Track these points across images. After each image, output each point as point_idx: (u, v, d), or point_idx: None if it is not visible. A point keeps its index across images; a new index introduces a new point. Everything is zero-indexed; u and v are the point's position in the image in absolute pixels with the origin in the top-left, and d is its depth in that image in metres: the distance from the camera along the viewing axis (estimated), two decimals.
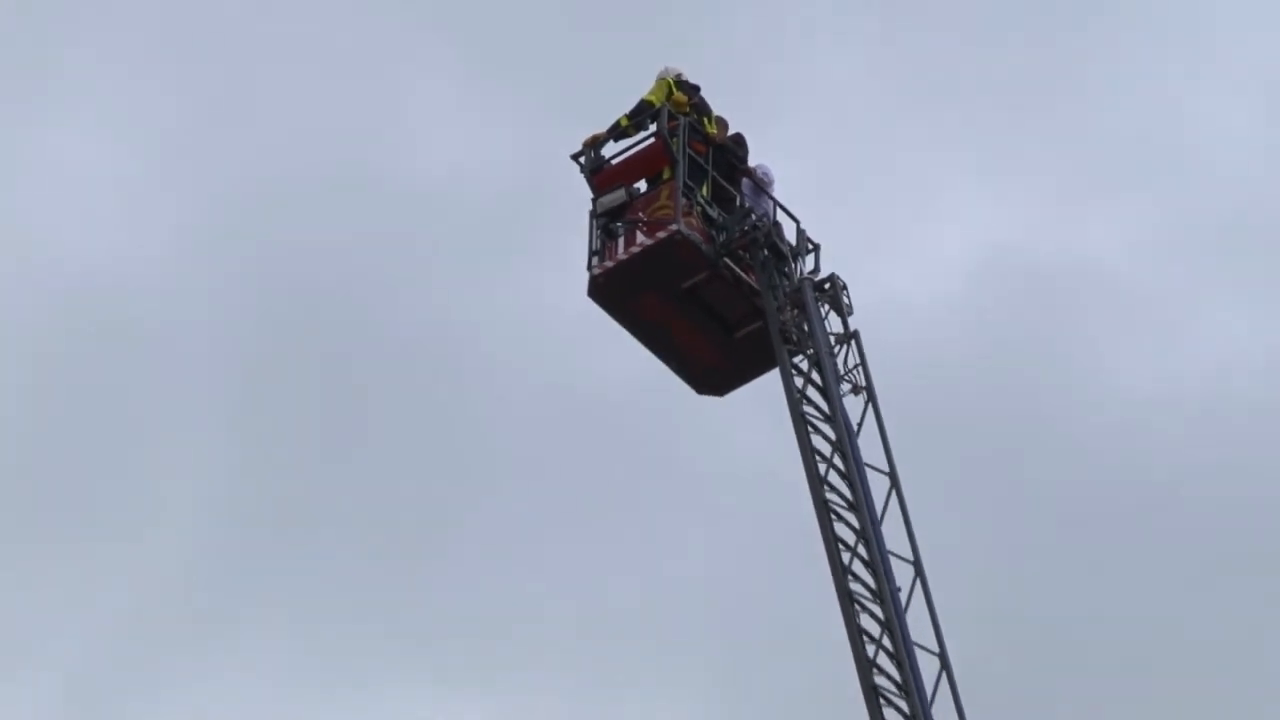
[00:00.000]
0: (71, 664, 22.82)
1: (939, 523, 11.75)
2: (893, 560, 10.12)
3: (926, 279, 23.87)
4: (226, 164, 25.73)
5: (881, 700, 9.40)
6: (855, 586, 9.96)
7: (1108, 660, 20.38)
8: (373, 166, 25.27)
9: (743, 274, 10.76)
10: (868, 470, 10.39)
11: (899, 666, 9.59)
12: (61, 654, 22.70)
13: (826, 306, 10.65)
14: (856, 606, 9.81)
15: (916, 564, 10.35)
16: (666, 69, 11.23)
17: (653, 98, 11.11)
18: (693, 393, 11.40)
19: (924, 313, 22.81)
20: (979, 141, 27.25)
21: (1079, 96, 27.06)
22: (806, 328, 10.47)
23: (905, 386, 14.28)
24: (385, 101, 26.32)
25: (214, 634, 23.06)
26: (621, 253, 10.66)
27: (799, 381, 10.42)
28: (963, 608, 11.79)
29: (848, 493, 10.26)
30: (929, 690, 9.70)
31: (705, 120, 11.30)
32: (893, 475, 10.44)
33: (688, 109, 11.13)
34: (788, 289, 10.63)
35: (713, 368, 11.25)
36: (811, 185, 13.40)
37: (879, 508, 10.30)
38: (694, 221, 10.55)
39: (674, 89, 11.09)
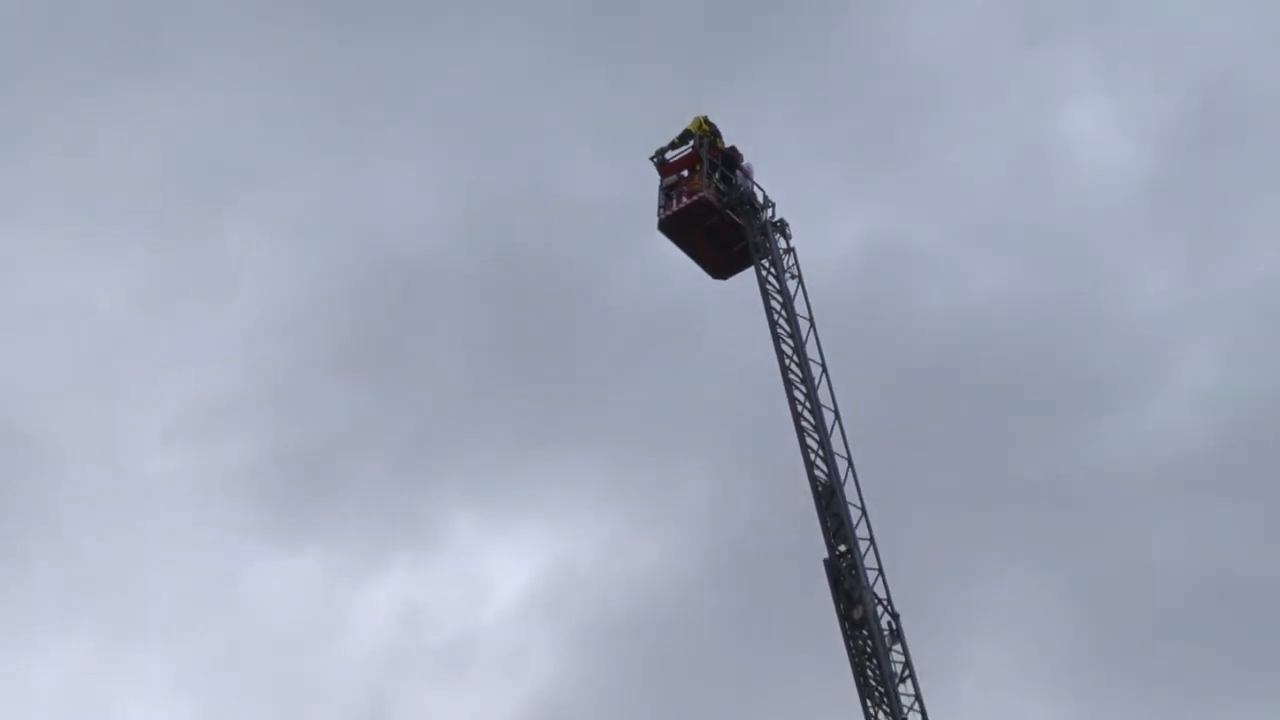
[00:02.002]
0: None
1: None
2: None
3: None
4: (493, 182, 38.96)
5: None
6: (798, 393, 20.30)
7: None
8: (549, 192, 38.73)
9: (736, 218, 21.14)
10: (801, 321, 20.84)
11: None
12: None
13: (777, 234, 21.07)
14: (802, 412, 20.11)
15: (823, 366, 20.69)
16: (700, 115, 21.74)
17: (691, 127, 21.64)
18: (709, 278, 21.93)
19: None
20: None
21: None
22: (767, 245, 20.91)
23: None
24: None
25: None
26: (675, 206, 21.14)
27: (763, 273, 20.87)
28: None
29: (788, 328, 20.66)
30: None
31: (717, 140, 21.76)
32: (811, 320, 20.80)
33: (708, 132, 21.56)
34: (757, 225, 21.08)
35: (719, 265, 21.80)
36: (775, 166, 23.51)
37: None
38: (711, 191, 20.97)
39: (703, 124, 21.57)
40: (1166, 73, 42.77)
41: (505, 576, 38.78)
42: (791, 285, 21.04)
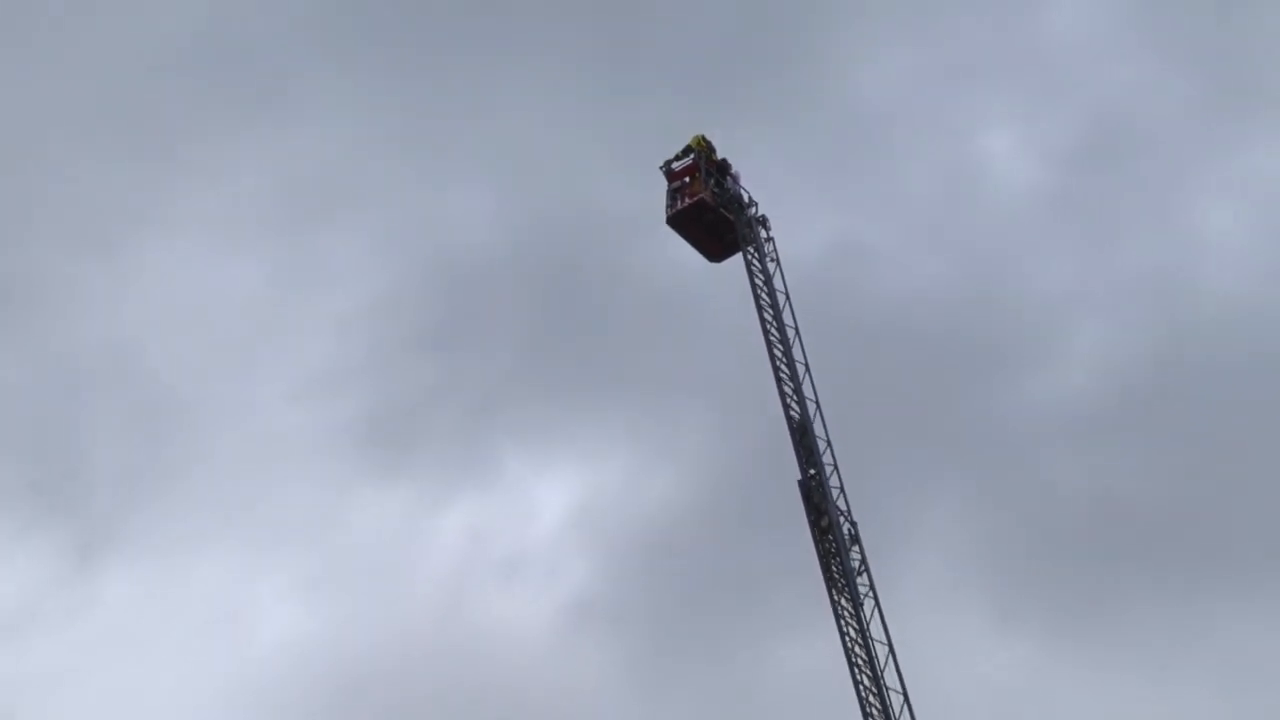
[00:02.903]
0: None
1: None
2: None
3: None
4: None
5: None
6: (776, 351, 25.85)
7: None
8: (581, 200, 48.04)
9: (727, 214, 26.72)
10: (779, 296, 26.40)
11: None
12: None
13: (760, 227, 26.67)
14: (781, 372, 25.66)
15: (796, 330, 26.25)
16: (699, 134, 27.34)
17: (691, 143, 27.22)
18: (707, 262, 27.52)
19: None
20: None
21: None
22: (752, 235, 26.49)
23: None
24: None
25: None
26: (679, 206, 26.71)
27: (749, 258, 26.43)
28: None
29: (769, 300, 26.20)
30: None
31: (712, 154, 27.35)
32: (787, 294, 26.36)
33: (705, 147, 27.13)
34: (744, 220, 26.67)
35: (715, 251, 27.39)
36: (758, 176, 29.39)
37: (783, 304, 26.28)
38: (707, 193, 26.54)
39: (701, 140, 27.17)
40: (1063, 108, 53.98)
41: (548, 504, 48.82)
42: (771, 267, 26.68)
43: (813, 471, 25.26)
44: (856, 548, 25.13)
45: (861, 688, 24.51)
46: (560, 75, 53.74)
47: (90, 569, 45.25)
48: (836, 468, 25.44)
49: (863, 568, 24.94)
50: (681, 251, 28.09)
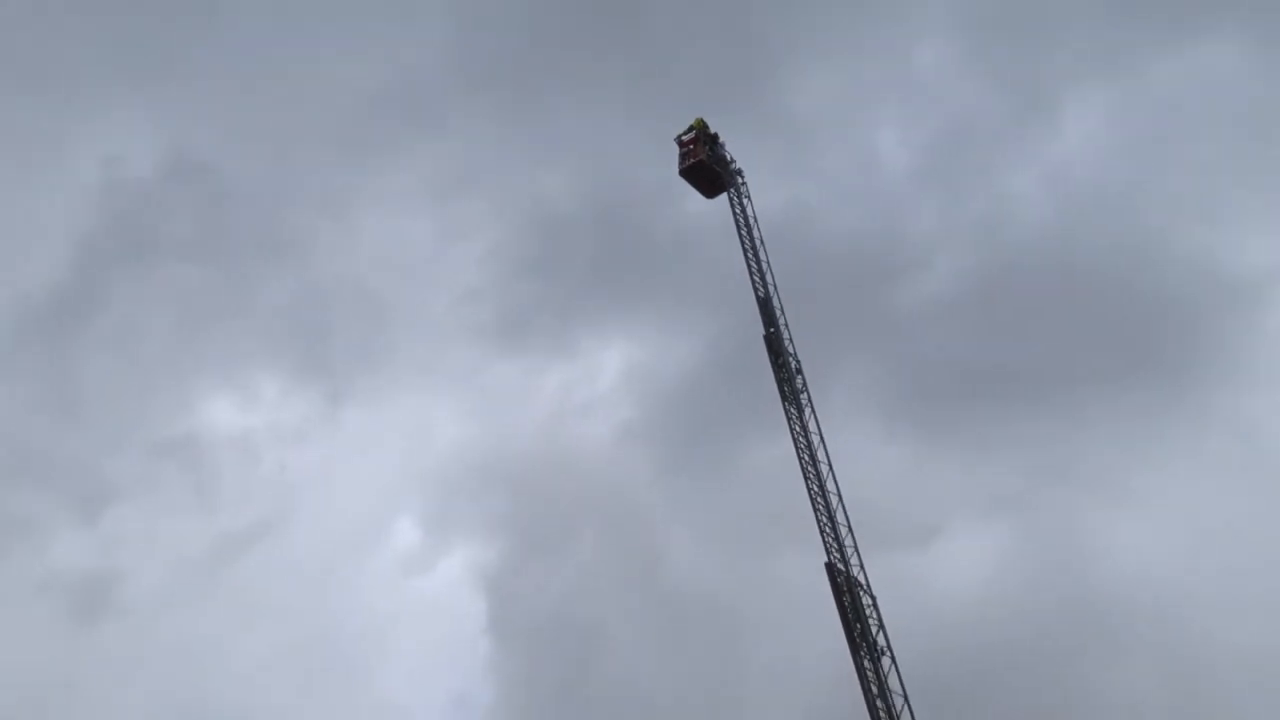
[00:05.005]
0: None
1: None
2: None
3: None
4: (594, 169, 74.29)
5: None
6: (750, 258, 40.76)
7: None
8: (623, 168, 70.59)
9: (717, 168, 41.71)
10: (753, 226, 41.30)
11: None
12: None
13: (739, 177, 41.65)
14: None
15: (763, 247, 41.18)
16: (699, 117, 42.36)
17: (694, 123, 42.25)
18: (704, 200, 42.61)
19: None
20: None
21: None
22: (734, 182, 41.50)
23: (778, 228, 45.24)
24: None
25: None
26: (685, 164, 41.80)
27: (732, 198, 41.37)
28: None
29: (746, 229, 41.10)
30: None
31: (708, 130, 42.40)
32: (758, 226, 41.30)
33: (703, 125, 42.08)
34: (729, 172, 41.73)
35: (709, 193, 42.65)
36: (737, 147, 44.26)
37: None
38: (704, 154, 41.58)
39: (701, 121, 42.21)
40: (927, 114, 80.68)
41: (607, 368, 75.80)
42: (748, 206, 41.48)
43: (772, 329, 40.11)
44: (800, 377, 39.95)
45: (803, 463, 39.26)
46: (606, 95, 79.87)
47: (337, 407, 76.01)
48: (788, 327, 40.30)
49: (803, 388, 39.74)
50: (688, 196, 43.16)
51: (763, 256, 40.85)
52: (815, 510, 38.17)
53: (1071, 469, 58.04)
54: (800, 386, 39.71)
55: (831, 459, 39.04)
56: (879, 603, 37.01)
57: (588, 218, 77.58)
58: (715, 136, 42.20)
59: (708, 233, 48.73)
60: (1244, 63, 73.18)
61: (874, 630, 36.48)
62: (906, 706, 35.62)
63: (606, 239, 77.04)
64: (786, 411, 39.60)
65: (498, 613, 63.99)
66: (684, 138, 42.07)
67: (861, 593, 37.04)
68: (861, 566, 37.40)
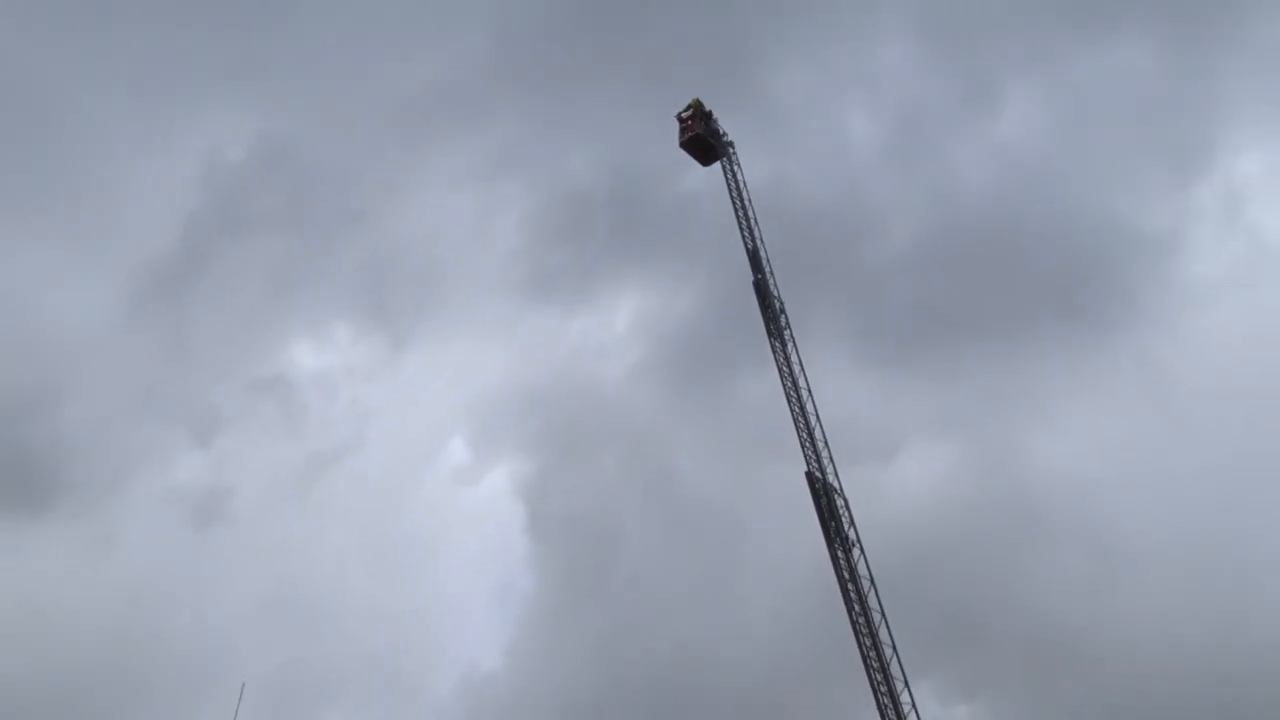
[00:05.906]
0: None
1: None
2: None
3: None
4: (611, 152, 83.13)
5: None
6: (741, 217, 47.71)
7: None
8: (637, 147, 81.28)
9: (712, 140, 48.74)
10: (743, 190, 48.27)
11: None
12: None
13: (730, 148, 48.62)
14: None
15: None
16: (695, 97, 49.41)
17: (692, 102, 49.29)
18: (701, 167, 49.80)
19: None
20: None
21: None
22: (727, 151, 48.49)
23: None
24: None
25: None
26: (685, 137, 48.88)
27: (724, 166, 48.34)
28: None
29: (737, 191, 48.06)
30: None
31: (704, 107, 49.38)
32: (747, 189, 48.24)
33: (700, 104, 49.05)
34: (722, 144, 48.81)
35: (705, 161, 49.71)
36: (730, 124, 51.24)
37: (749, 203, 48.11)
38: (701, 128, 48.64)
39: (698, 101, 49.22)
40: (884, 100, 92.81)
41: (621, 314, 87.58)
42: (739, 171, 48.34)
43: (760, 276, 46.88)
44: (784, 316, 46.75)
45: (787, 390, 46.01)
46: (619, 89, 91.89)
47: (399, 351, 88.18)
48: (773, 275, 47.11)
49: (786, 325, 46.53)
50: (688, 170, 50.26)
51: (751, 214, 47.70)
52: (797, 428, 44.74)
53: (1009, 395, 71.01)
54: (784, 324, 46.48)
55: (810, 386, 45.73)
56: (850, 504, 43.74)
57: (604, 190, 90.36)
58: (710, 113, 49.05)
59: (705, 199, 56.63)
60: (1153, 59, 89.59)
61: (846, 526, 43.17)
62: (873, 589, 42.27)
63: (620, 208, 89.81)
64: (772, 346, 46.31)
65: (534, 517, 77.00)
66: (683, 115, 48.94)
67: (836, 496, 43.73)
68: (836, 474, 44.01)
